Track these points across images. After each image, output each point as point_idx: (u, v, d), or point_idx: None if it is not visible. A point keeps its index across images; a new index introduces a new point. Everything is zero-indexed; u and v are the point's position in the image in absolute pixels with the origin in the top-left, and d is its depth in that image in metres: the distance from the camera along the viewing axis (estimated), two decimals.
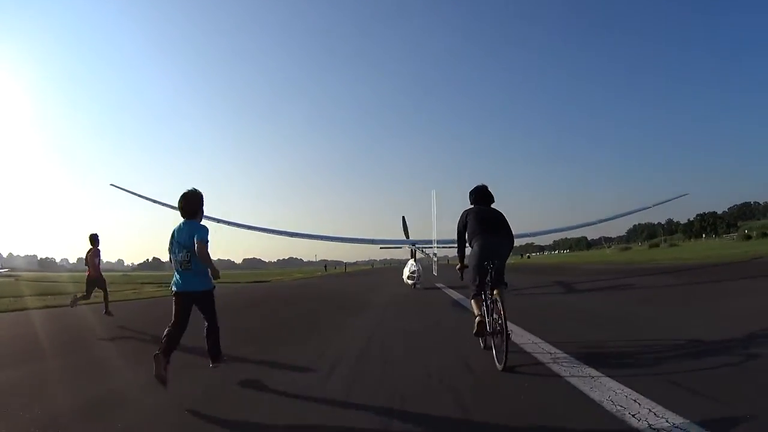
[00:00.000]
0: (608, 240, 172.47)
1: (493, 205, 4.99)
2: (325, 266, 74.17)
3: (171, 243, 4.03)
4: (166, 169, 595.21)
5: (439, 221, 20.47)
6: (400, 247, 24.18)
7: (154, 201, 24.24)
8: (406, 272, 18.43)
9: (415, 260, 19.11)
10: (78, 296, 9.40)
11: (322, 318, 9.04)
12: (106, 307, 9.19)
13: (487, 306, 4.36)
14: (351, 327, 7.56)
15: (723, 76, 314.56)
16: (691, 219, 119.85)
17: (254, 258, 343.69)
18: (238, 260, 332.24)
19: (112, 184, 25.07)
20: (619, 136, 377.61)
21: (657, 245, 73.05)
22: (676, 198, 30.69)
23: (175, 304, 3.93)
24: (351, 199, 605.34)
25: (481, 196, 4.98)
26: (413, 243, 21.05)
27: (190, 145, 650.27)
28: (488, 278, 4.33)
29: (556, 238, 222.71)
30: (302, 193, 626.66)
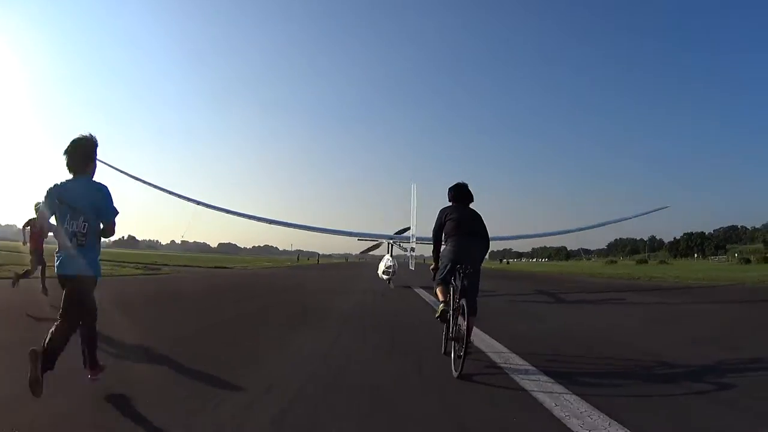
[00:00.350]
0: (587, 252, 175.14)
1: (471, 205, 4.88)
2: (298, 256, 71.13)
3: (53, 205, 3.25)
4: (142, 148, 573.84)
5: (418, 216, 19.29)
6: (377, 242, 23.01)
7: (137, 179, 21.44)
8: (381, 267, 17.84)
9: (391, 255, 18.59)
10: (20, 273, 8.89)
11: (262, 327, 6.98)
12: (43, 284, 8.66)
13: (452, 311, 4.20)
14: (291, 349, 5.11)
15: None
16: (677, 237, 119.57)
17: (230, 243, 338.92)
18: (214, 244, 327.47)
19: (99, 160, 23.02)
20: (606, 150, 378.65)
21: (645, 261, 70.78)
22: (657, 210, 30.33)
23: (65, 292, 3.29)
24: (329, 191, 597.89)
25: (460, 194, 4.84)
26: (390, 237, 20.27)
27: (168, 128, 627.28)
28: (457, 284, 4.25)
29: (535, 246, 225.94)
30: (281, 182, 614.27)
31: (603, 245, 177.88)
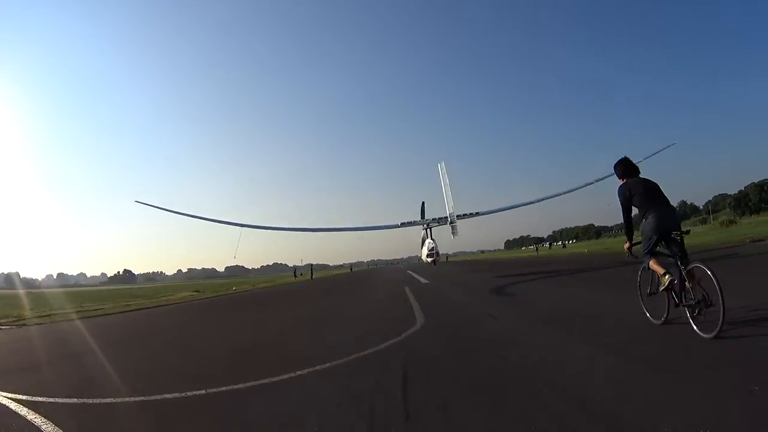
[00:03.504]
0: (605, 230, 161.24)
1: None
2: (295, 271, 58.19)
3: None
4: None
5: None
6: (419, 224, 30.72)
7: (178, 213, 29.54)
8: (424, 251, 26.56)
9: (432, 239, 27.60)
10: None
11: None
12: None
13: (680, 277, 4.18)
14: None
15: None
16: (742, 190, 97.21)
17: (237, 265, 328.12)
18: (221, 268, 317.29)
19: (137, 201, 29.27)
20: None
21: (732, 222, 55.00)
22: (665, 149, 32.35)
23: None
24: (338, 196, 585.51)
25: (629, 167, 4.85)
26: (427, 223, 27.81)
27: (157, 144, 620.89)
28: (675, 251, 4.31)
29: (555, 228, 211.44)
30: (291, 192, 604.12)
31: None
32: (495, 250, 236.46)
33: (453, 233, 30.25)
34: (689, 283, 4.03)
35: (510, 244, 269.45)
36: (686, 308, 4.07)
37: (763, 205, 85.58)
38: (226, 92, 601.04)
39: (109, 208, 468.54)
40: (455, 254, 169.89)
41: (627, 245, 4.77)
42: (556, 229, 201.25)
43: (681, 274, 4.12)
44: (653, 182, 4.68)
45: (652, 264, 4.43)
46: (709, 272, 3.80)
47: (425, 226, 32.30)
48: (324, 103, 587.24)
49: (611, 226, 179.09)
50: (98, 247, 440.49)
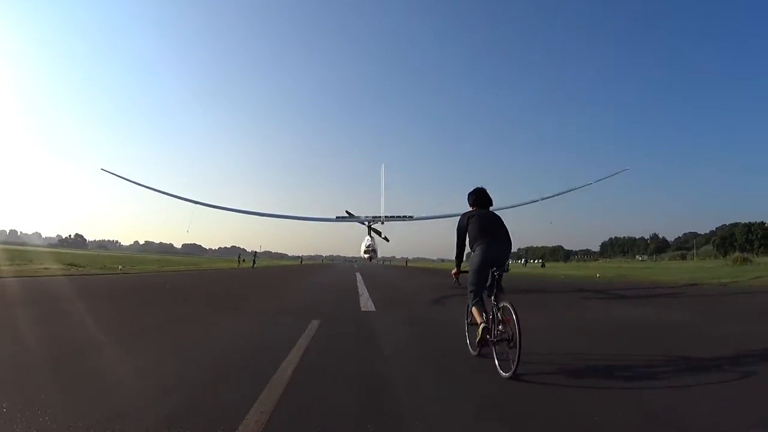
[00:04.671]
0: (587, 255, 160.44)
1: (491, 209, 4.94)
2: (239, 257, 53.21)
3: None
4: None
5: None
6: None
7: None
8: (362, 248, 28.84)
9: (370, 236, 28.15)
10: None
11: None
12: None
13: (492, 314, 4.16)
14: None
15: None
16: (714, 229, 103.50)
17: (194, 244, 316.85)
18: (178, 245, 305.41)
19: (103, 169, 28.07)
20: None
21: (746, 260, 48.25)
22: (617, 173, 30.98)
23: None
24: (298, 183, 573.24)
25: (481, 198, 4.82)
26: (365, 221, 26.88)
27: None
28: (492, 285, 4.25)
29: (521, 246, 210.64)
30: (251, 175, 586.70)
31: (596, 246, 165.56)
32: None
33: (384, 236, 33.41)
34: (500, 320, 4.02)
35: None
36: (494, 345, 4.03)
37: (747, 245, 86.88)
38: (194, 72, 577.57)
39: (76, 171, 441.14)
40: (414, 259, 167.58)
41: (454, 271, 4.86)
42: (521, 246, 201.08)
43: (494, 310, 4.15)
44: (496, 216, 4.75)
45: (474, 310, 4.40)
46: (513, 312, 3.79)
47: (367, 224, 33.61)
48: (306, 94, 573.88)
49: (576, 251, 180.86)
50: (60, 209, 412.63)
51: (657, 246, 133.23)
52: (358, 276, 22.18)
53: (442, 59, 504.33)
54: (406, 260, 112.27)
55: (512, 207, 30.32)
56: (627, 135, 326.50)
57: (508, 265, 4.43)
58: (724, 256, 76.90)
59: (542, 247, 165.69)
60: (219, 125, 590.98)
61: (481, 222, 4.54)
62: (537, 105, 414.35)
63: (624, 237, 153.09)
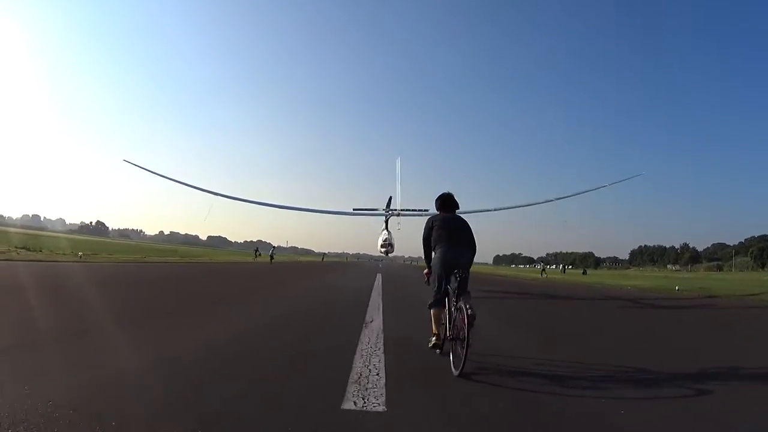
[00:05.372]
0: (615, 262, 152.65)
1: (458, 212, 5.09)
2: (256, 251, 50.40)
3: None
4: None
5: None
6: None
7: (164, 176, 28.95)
8: (379, 242, 25.76)
9: (387, 230, 26.50)
10: None
11: None
12: None
13: (450, 313, 4.33)
14: None
15: None
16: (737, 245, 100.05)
17: (219, 236, 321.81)
18: (203, 236, 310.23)
19: (125, 160, 28.57)
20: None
21: None
22: (632, 178, 32.47)
23: None
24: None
25: (446, 203, 4.98)
26: (385, 214, 25.49)
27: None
28: (453, 286, 4.37)
29: (550, 251, 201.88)
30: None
31: (622, 254, 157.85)
32: (483, 263, 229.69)
33: (398, 227, 33.87)
34: (457, 319, 4.14)
35: (499, 260, 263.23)
36: (450, 342, 4.19)
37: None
38: (222, 67, 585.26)
39: (100, 160, 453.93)
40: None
41: (426, 271, 4.92)
42: (551, 251, 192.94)
43: (453, 309, 4.27)
44: (461, 220, 4.90)
45: (432, 313, 4.62)
46: (465, 314, 3.88)
47: (386, 215, 34.07)
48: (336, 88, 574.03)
49: (603, 258, 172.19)
50: (85, 196, 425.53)
51: (690, 256, 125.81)
52: (379, 280, 18.03)
53: (464, 55, 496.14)
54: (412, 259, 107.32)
55: (527, 206, 31.85)
56: (650, 139, 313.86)
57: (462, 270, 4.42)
58: (762, 267, 72.36)
59: (572, 253, 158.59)
60: (247, 120, 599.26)
61: (443, 226, 4.76)
62: (562, 106, 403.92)
63: (654, 246, 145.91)
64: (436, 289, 4.53)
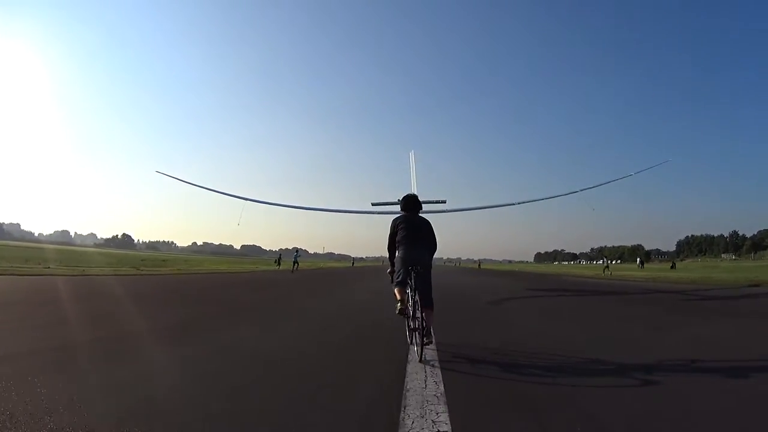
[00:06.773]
0: (662, 255, 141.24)
1: (421, 213, 5.47)
2: (279, 258, 46.10)
3: None
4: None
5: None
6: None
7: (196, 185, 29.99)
8: None
9: None
10: None
11: None
12: None
13: (413, 314, 4.73)
14: None
15: None
16: None
17: (253, 245, 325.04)
18: (237, 245, 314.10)
19: (157, 171, 29.64)
20: None
21: None
22: (658, 165, 31.29)
23: None
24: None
25: (410, 204, 5.36)
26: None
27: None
28: (412, 282, 4.79)
29: (594, 246, 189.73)
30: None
31: (667, 246, 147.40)
32: (524, 262, 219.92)
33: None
34: (417, 311, 4.65)
35: (541, 257, 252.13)
36: (412, 332, 4.80)
37: None
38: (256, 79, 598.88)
39: (131, 172, 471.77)
40: (467, 260, 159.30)
41: (389, 270, 5.30)
42: (595, 246, 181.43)
43: (413, 302, 4.74)
44: (421, 221, 5.28)
45: (395, 291, 5.03)
46: (419, 306, 4.58)
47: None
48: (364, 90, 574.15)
49: (648, 250, 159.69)
50: (116, 211, 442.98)
51: (753, 243, 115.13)
52: None
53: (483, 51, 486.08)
54: (479, 262, 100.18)
55: (548, 198, 30.95)
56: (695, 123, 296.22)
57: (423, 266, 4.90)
58: None
59: (620, 246, 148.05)
60: (279, 130, 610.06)
61: (405, 227, 5.15)
62: (587, 103, 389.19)
63: (701, 235, 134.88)
64: (396, 278, 5.02)
